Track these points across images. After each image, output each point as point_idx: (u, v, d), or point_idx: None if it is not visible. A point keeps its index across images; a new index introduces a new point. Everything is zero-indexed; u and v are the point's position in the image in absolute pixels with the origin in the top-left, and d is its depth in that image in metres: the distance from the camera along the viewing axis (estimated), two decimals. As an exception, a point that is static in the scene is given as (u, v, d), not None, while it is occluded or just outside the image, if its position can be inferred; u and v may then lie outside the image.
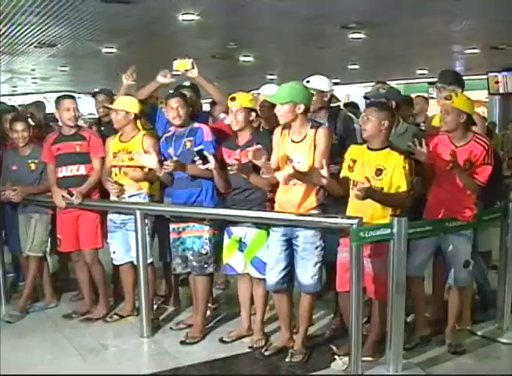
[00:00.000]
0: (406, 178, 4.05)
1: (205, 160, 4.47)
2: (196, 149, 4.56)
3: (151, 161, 4.71)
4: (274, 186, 4.42)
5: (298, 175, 4.13)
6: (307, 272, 4.37)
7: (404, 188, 4.07)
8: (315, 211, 4.31)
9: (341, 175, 4.28)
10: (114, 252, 5.36)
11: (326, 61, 14.05)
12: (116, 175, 5.17)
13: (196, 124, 4.87)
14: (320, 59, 13.39)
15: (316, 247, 4.35)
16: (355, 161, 4.25)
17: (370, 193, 3.98)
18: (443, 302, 4.95)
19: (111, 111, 5.21)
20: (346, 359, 4.24)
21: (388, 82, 6.08)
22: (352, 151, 4.32)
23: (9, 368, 4.38)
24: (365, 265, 4.18)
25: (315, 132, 4.26)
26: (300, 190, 4.28)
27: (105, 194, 5.35)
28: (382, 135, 4.18)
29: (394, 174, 4.08)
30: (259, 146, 4.35)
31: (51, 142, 5.43)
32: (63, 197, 5.20)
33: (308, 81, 4.90)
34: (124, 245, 5.25)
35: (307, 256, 4.35)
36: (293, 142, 4.34)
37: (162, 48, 10.92)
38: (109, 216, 5.33)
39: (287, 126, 4.37)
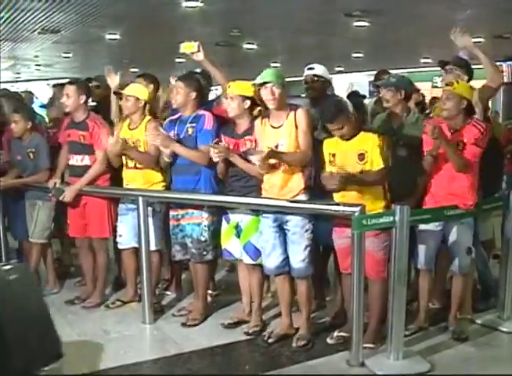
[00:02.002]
0: (382, 155, 4.14)
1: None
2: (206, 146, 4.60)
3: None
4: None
5: (275, 154, 4.21)
6: (297, 256, 4.42)
7: (381, 165, 4.15)
8: (303, 195, 4.35)
9: (326, 170, 4.25)
10: (121, 235, 5.34)
11: (329, 49, 14.04)
12: (127, 164, 5.19)
13: (200, 111, 4.88)
14: (324, 47, 13.38)
15: (306, 231, 4.40)
16: (334, 155, 4.30)
17: (346, 181, 4.04)
18: (445, 291, 4.96)
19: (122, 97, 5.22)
20: (342, 334, 4.41)
21: (392, 71, 6.09)
22: (327, 145, 4.37)
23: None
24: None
25: (295, 114, 4.31)
26: (283, 173, 4.33)
27: (116, 180, 5.35)
28: (352, 124, 4.21)
29: (373, 153, 4.16)
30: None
31: (65, 126, 5.45)
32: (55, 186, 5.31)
33: (311, 68, 4.94)
34: (133, 229, 5.19)
35: (297, 240, 4.40)
36: (274, 127, 4.38)
37: (165, 35, 10.91)
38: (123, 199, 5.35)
39: (265, 115, 4.44)
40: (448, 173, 4.40)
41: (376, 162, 4.16)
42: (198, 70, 5.55)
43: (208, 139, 4.69)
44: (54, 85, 6.88)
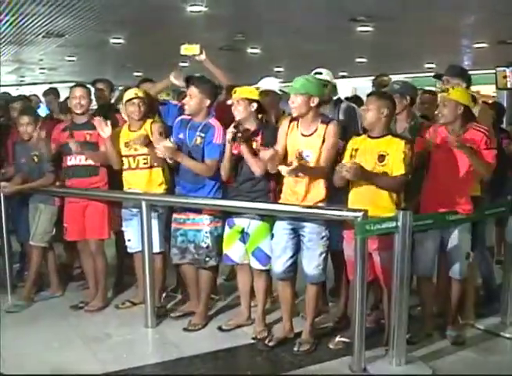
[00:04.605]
0: (405, 162, 4.11)
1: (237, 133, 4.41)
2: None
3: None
4: (270, 175, 4.49)
5: (303, 168, 4.18)
6: (312, 263, 4.41)
7: (401, 171, 4.11)
8: (321, 204, 4.34)
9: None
10: (129, 240, 5.38)
11: (333, 54, 14.02)
12: (129, 166, 5.20)
13: (211, 121, 4.84)
14: (327, 51, 13.36)
15: (322, 238, 4.39)
16: (356, 150, 4.29)
17: (359, 173, 4.01)
18: (448, 296, 4.95)
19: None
20: (343, 339, 4.48)
21: (396, 76, 6.10)
22: (353, 141, 4.36)
23: (13, 356, 4.41)
24: (375, 260, 4.25)
25: (326, 128, 4.28)
26: (306, 183, 4.31)
27: (114, 185, 5.37)
28: (382, 123, 4.23)
29: (395, 158, 4.13)
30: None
31: (62, 129, 5.46)
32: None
33: (320, 73, 4.93)
34: (139, 233, 5.15)
35: (312, 246, 4.39)
36: (303, 135, 4.36)
37: (169, 39, 10.91)
38: (125, 205, 5.36)
39: (296, 118, 4.40)
40: (445, 179, 4.40)
41: (396, 167, 4.13)
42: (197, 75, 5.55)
43: (216, 153, 4.69)
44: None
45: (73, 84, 5.59)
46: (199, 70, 5.35)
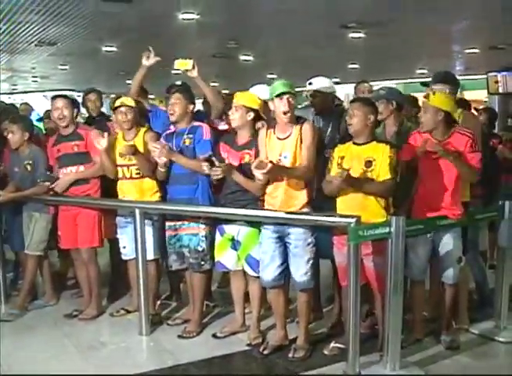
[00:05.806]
0: (390, 167, 4.13)
1: (212, 165, 4.45)
2: (206, 155, 4.58)
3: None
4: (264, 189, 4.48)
5: (279, 169, 4.20)
6: (299, 270, 4.41)
7: (388, 176, 4.14)
8: (306, 209, 4.35)
9: (331, 172, 4.29)
10: (124, 247, 5.38)
11: (325, 60, 14.04)
12: (123, 175, 5.20)
13: (196, 123, 4.92)
14: (320, 58, 13.39)
15: (308, 244, 4.39)
16: (343, 158, 4.31)
17: (347, 180, 4.04)
18: (441, 301, 4.96)
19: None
20: (338, 345, 4.48)
21: (387, 82, 6.12)
22: (339, 149, 4.39)
23: (8, 365, 4.40)
24: (366, 265, 4.24)
25: (301, 128, 4.31)
26: (286, 187, 4.32)
27: (106, 193, 5.37)
28: (368, 129, 4.25)
29: (381, 163, 4.16)
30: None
31: (51, 145, 5.46)
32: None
33: (310, 83, 4.94)
34: (134, 240, 5.12)
35: (299, 253, 4.39)
36: (279, 139, 4.38)
37: (162, 47, 10.88)
38: (120, 212, 5.36)
39: (271, 126, 4.44)
40: (434, 185, 4.40)
41: (382, 172, 4.16)
42: (178, 83, 5.53)
43: (207, 149, 4.73)
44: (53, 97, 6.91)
45: (68, 92, 5.59)
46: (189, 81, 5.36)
